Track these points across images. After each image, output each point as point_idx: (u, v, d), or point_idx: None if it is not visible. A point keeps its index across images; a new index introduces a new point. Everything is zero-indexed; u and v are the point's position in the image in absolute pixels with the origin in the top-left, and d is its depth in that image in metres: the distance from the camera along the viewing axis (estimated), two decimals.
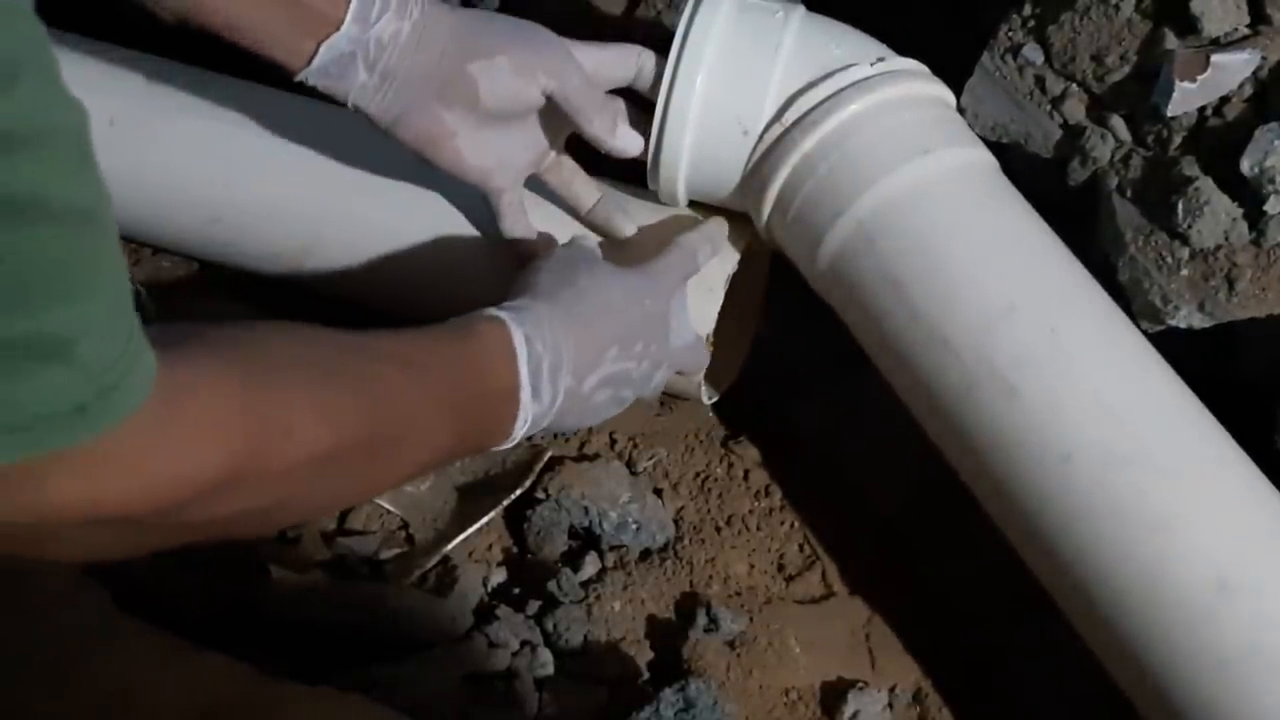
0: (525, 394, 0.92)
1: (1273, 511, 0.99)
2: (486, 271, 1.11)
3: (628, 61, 1.09)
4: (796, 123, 1.06)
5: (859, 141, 1.05)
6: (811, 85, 1.06)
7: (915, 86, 1.08)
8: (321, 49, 0.98)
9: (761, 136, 1.07)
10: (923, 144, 1.05)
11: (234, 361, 0.71)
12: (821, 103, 1.06)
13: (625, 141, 1.08)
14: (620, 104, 1.09)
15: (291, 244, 1.17)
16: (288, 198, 1.17)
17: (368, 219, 1.16)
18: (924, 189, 1.04)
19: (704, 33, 1.06)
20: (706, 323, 1.09)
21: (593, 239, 1.10)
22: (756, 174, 1.08)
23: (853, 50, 1.08)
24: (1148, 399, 1.01)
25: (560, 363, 0.94)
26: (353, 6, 0.97)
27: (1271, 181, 1.01)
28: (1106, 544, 0.97)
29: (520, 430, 0.93)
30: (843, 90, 1.06)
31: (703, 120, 1.07)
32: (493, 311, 0.93)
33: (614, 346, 0.98)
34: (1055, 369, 0.99)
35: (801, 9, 1.10)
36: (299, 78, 0.99)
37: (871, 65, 1.07)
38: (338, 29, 0.97)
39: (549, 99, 1.05)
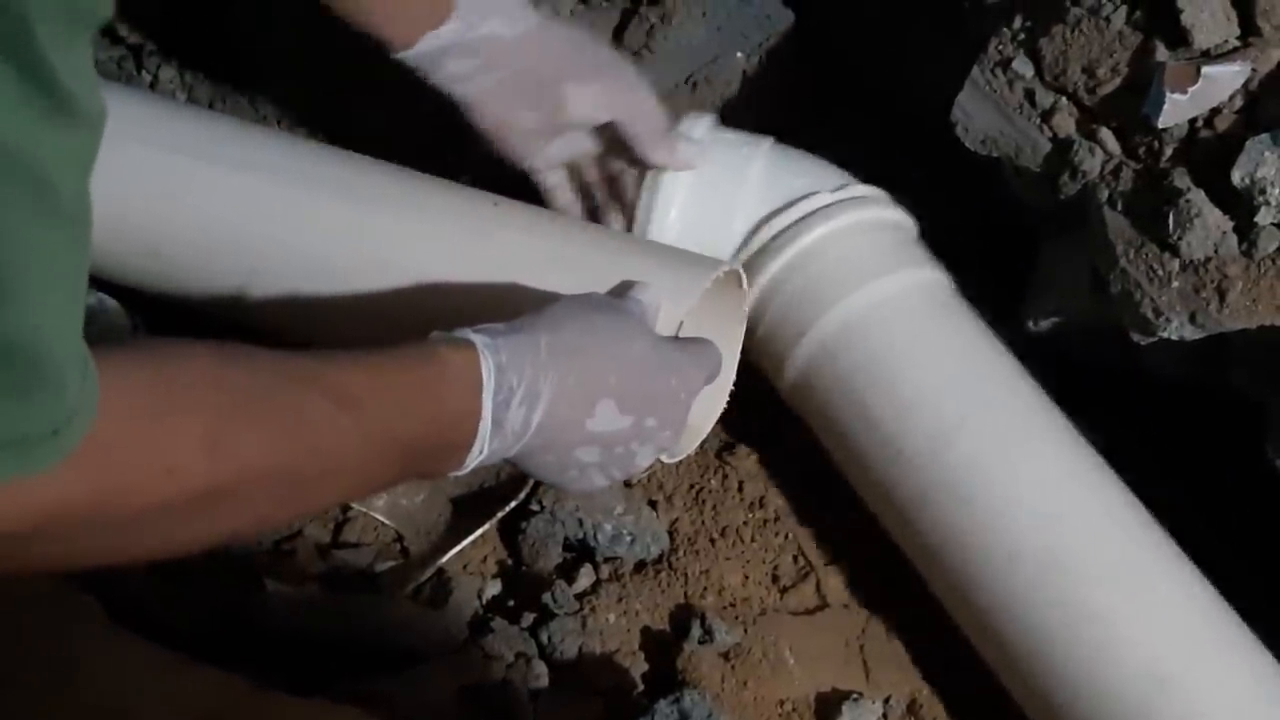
0: (485, 425, 0.84)
1: (1209, 611, 1.05)
2: (444, 310, 1.03)
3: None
4: (762, 248, 1.12)
5: (820, 266, 1.12)
6: (776, 213, 1.13)
7: (872, 212, 1.14)
8: (422, 39, 1.04)
9: (731, 260, 1.12)
10: (880, 267, 1.12)
11: (136, 388, 0.68)
12: (785, 229, 1.12)
13: (679, 157, 1.12)
14: (677, 135, 1.13)
15: (231, 279, 1.09)
16: (227, 229, 1.09)
17: (312, 254, 1.07)
18: (881, 309, 1.12)
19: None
20: None
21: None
22: None
23: (814, 179, 1.15)
24: (1089, 504, 1.08)
25: (537, 396, 0.86)
26: (457, 9, 1.04)
27: (1262, 193, 1.00)
28: (1051, 637, 1.04)
29: (473, 461, 0.86)
30: (804, 217, 1.12)
31: (677, 245, 1.10)
32: (467, 334, 0.85)
33: (611, 400, 0.88)
34: (1002, 477, 1.07)
35: (769, 141, 1.15)
36: (396, 57, 1.05)
37: (832, 192, 1.13)
38: (442, 24, 1.04)
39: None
